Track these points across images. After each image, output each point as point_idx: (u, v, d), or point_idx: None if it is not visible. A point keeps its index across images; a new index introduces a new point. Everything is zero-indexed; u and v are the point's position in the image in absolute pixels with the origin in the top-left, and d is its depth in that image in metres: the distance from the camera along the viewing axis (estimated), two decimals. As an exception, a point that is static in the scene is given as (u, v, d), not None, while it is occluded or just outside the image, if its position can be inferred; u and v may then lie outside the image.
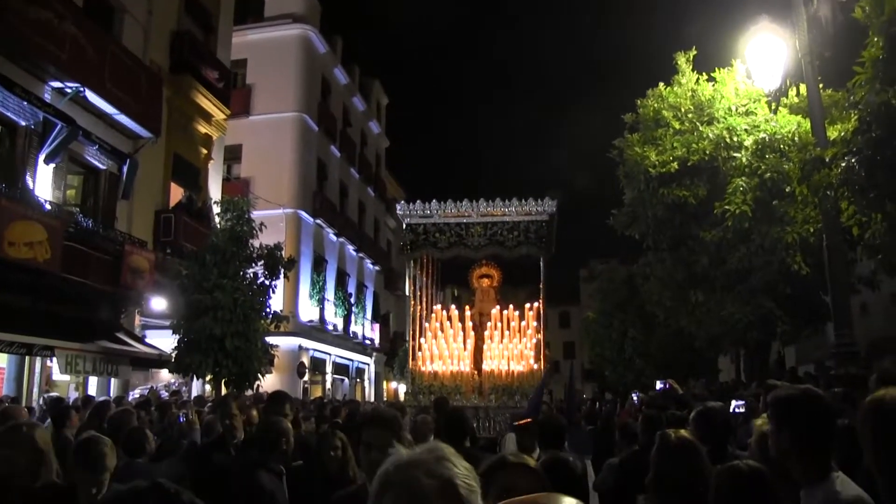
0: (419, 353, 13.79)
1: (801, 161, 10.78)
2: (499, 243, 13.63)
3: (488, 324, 13.91)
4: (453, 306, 14.88)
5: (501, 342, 13.57)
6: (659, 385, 17.62)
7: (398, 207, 14.49)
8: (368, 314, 41.78)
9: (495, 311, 14.07)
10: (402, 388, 17.72)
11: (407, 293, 14.93)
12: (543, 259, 13.77)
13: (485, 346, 13.69)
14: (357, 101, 41.65)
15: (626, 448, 7.73)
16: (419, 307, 14.81)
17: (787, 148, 14.44)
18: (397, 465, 1.59)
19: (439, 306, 14.84)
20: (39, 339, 14.17)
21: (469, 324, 14.11)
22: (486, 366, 13.37)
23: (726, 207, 14.26)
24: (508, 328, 13.78)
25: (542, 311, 13.94)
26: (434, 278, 15.65)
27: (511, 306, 14.17)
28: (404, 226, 14.28)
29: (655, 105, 17.00)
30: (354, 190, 40.44)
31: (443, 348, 13.59)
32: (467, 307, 14.70)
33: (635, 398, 13.38)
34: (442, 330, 13.93)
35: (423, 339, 14.00)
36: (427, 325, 14.29)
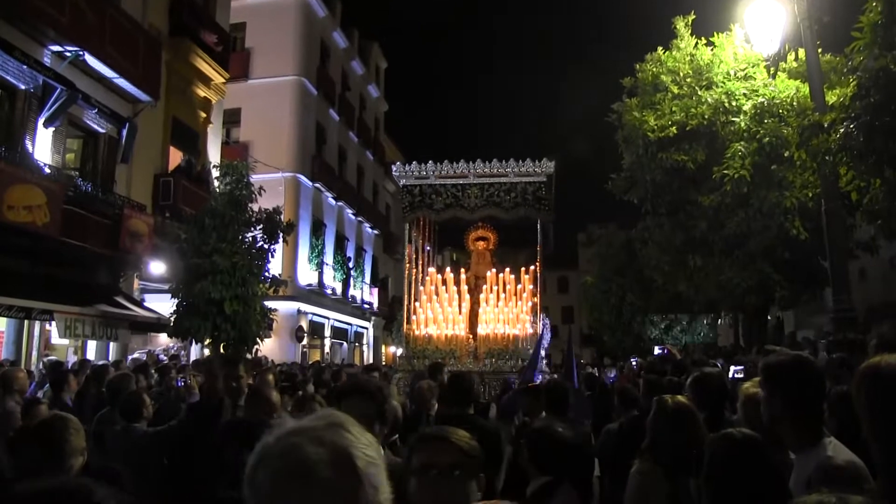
0: (414, 317, 13.72)
1: (800, 126, 10.77)
2: (496, 204, 13.56)
3: (484, 287, 13.85)
4: (448, 269, 14.83)
5: (497, 305, 13.49)
6: (657, 350, 17.64)
7: (394, 169, 14.41)
8: (367, 278, 41.80)
9: (490, 274, 13.99)
10: (400, 353, 17.72)
11: (405, 256, 14.80)
12: (541, 221, 13.70)
13: (480, 310, 13.62)
14: (356, 65, 41.42)
15: (624, 413, 7.74)
16: (415, 270, 14.76)
17: (785, 113, 14.40)
18: (278, 435, 1.33)
19: (434, 269, 14.74)
20: (38, 302, 14.22)
21: (464, 287, 14.05)
22: (482, 329, 13.29)
23: (725, 172, 14.26)
24: (504, 291, 13.71)
25: (538, 274, 13.88)
26: (431, 241, 15.57)
27: (507, 269, 14.09)
28: (400, 187, 14.19)
29: (654, 70, 16.94)
30: (353, 154, 40.31)
31: (437, 312, 13.52)
32: (463, 270, 14.62)
33: (634, 363, 13.36)
34: (437, 293, 13.86)
35: (417, 303, 13.92)
36: (422, 288, 14.23)
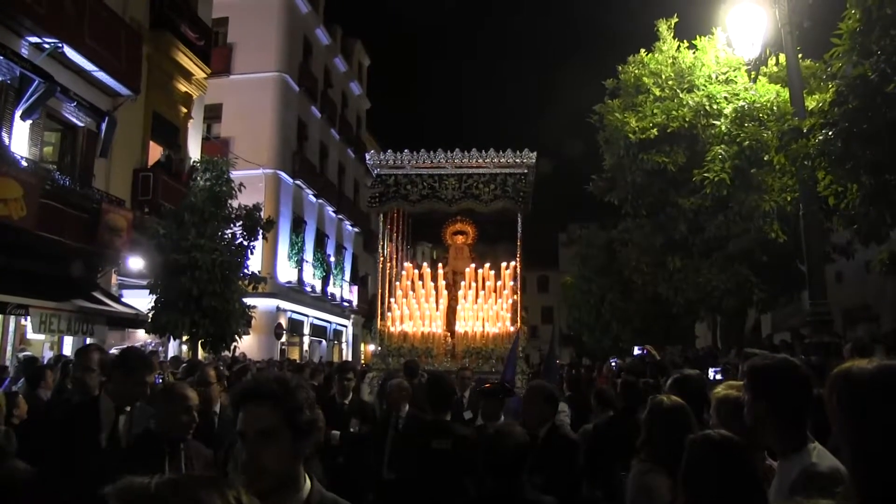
0: (389, 314, 13.31)
1: (780, 131, 10.82)
2: (474, 197, 13.07)
3: (462, 283, 13.44)
4: (425, 264, 14.41)
5: (476, 302, 13.13)
6: (637, 351, 17.57)
7: (367, 157, 13.94)
8: (347, 276, 41.69)
9: (469, 269, 13.57)
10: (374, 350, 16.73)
11: (379, 249, 14.37)
12: (521, 215, 13.21)
13: (458, 307, 13.23)
14: (338, 62, 41.34)
15: (601, 414, 7.77)
16: (389, 265, 14.31)
17: (765, 117, 14.45)
18: None
19: (410, 264, 14.33)
20: (13, 297, 14.02)
21: (441, 282, 13.65)
22: (460, 327, 12.91)
23: (705, 175, 14.26)
24: (483, 288, 13.33)
25: (518, 271, 13.42)
26: (405, 235, 15.13)
27: (486, 265, 13.69)
28: (374, 176, 13.71)
29: (636, 71, 16.91)
30: (335, 151, 40.23)
31: (414, 308, 13.12)
32: (440, 265, 14.19)
33: (613, 364, 13.05)
34: (413, 289, 13.47)
35: (392, 299, 13.51)
36: (398, 283, 13.83)
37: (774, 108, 14.25)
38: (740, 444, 3.11)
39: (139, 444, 4.44)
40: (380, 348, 13.07)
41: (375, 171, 13.61)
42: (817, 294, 10.48)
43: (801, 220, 10.63)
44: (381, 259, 14.15)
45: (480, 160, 13.25)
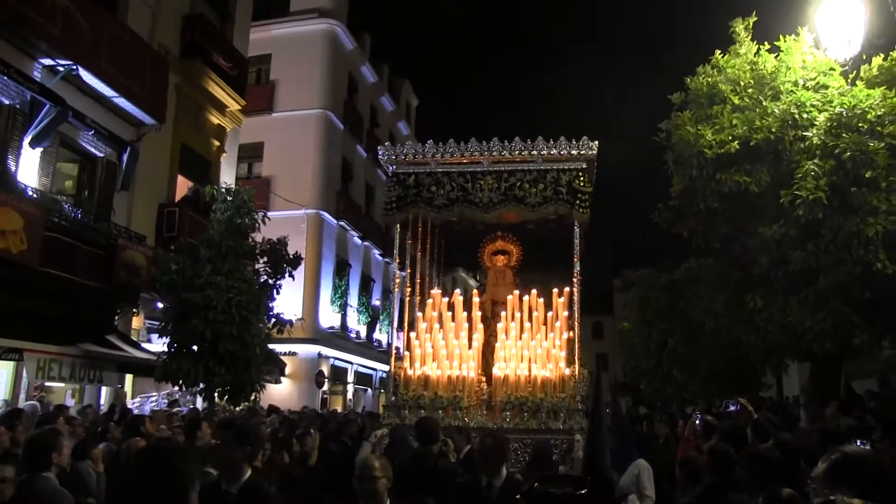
0: (407, 353, 10.90)
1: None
2: (517, 199, 10.54)
3: (503, 314, 10.91)
4: (458, 291, 11.94)
5: (520, 339, 10.53)
6: (731, 407, 15.00)
7: (380, 152, 11.53)
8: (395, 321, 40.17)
9: (512, 297, 11.06)
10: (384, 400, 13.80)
11: (396, 267, 11.90)
12: (579, 223, 10.66)
13: (497, 344, 10.65)
14: (385, 101, 40.32)
15: (689, 489, 5.88)
16: (408, 289, 12.02)
17: (864, 126, 12.28)
18: None
19: (438, 290, 11.85)
20: (4, 339, 12.56)
21: (477, 313, 11.14)
22: (499, 370, 10.32)
23: (796, 194, 12.11)
24: (530, 320, 10.74)
25: (576, 297, 10.66)
26: (433, 255, 12.75)
27: (534, 291, 11.10)
28: (389, 174, 11.34)
29: (710, 79, 14.84)
30: (381, 192, 38.90)
31: (440, 346, 10.58)
32: (475, 292, 11.61)
33: (698, 422, 10.26)
34: (440, 322, 10.99)
35: (413, 334, 11.12)
36: (420, 314, 11.41)
37: (880, 112, 12.07)
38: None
39: None
40: (393, 397, 10.53)
41: (391, 169, 11.19)
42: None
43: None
44: (397, 281, 11.80)
45: (525, 152, 10.71)
